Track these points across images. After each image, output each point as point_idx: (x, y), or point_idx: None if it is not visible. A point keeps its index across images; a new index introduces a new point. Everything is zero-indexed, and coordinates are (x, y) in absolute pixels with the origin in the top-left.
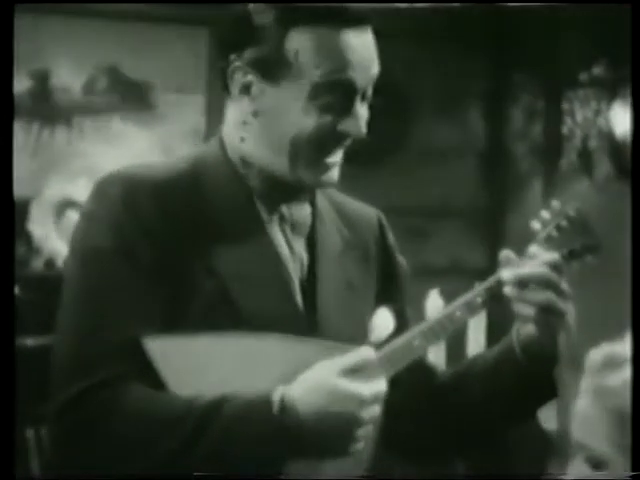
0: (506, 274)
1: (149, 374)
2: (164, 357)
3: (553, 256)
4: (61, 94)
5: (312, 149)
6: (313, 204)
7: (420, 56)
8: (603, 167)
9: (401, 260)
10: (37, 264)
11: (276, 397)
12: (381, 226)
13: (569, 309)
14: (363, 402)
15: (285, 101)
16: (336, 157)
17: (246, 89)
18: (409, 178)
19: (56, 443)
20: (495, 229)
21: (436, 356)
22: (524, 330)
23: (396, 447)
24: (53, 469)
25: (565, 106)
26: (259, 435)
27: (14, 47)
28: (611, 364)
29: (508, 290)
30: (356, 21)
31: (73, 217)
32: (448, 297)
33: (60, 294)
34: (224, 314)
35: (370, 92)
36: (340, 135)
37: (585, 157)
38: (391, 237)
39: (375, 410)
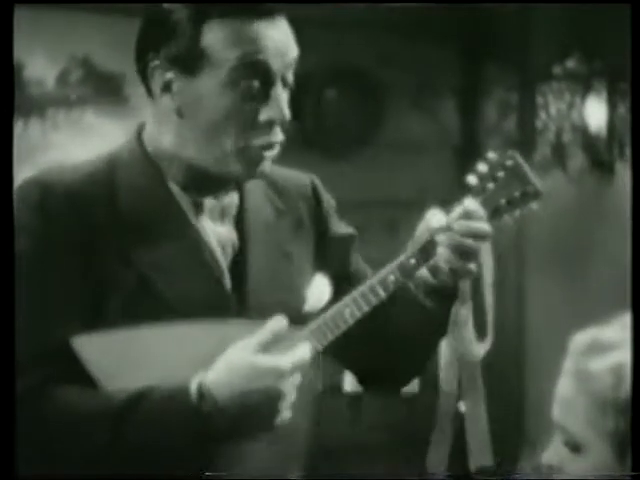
0: (441, 237)
1: (78, 372)
2: (91, 353)
3: (482, 226)
4: (35, 86)
5: (238, 137)
6: (239, 186)
7: (394, 49)
8: (577, 160)
9: (341, 226)
10: None
11: (193, 386)
12: (315, 192)
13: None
14: (282, 374)
15: (205, 91)
16: (268, 149)
17: (167, 87)
18: (383, 171)
19: None
20: None
21: None
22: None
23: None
24: None
25: (539, 99)
26: (180, 426)
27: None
28: (596, 348)
29: (442, 251)
30: (267, 13)
31: None
32: None
33: None
34: (147, 306)
35: (290, 78)
36: (265, 122)
37: (559, 150)
38: (327, 201)
39: (297, 379)
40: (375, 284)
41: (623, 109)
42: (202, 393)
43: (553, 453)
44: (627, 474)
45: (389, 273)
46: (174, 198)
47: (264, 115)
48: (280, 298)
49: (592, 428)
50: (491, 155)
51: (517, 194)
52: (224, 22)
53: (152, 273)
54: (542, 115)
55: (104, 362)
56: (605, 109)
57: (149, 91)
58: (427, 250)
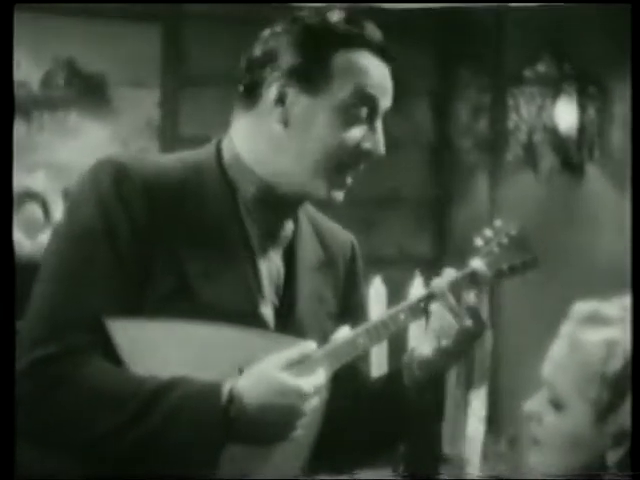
0: (438, 287)
1: (109, 351)
2: (124, 337)
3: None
4: (20, 88)
5: (333, 164)
6: (296, 220)
7: None
8: (548, 161)
9: (363, 292)
10: None
11: (226, 388)
12: (353, 253)
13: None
14: (304, 395)
15: (318, 109)
16: (350, 178)
17: (281, 99)
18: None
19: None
20: (441, 219)
21: (378, 354)
22: (419, 353)
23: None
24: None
25: (510, 102)
26: (203, 420)
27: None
28: (593, 320)
29: (449, 300)
30: (384, 54)
31: (32, 208)
32: (394, 286)
33: (36, 273)
34: (182, 310)
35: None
36: (361, 153)
37: (530, 151)
38: (360, 263)
39: (314, 402)
40: (387, 320)
41: (592, 111)
42: (232, 397)
43: (536, 403)
44: (627, 474)
45: (400, 312)
46: (238, 214)
47: (363, 144)
48: (310, 335)
49: (577, 392)
50: (497, 223)
51: (518, 262)
52: (352, 53)
53: (195, 280)
54: (513, 117)
55: (135, 347)
56: (575, 111)
57: (252, 98)
58: (434, 297)
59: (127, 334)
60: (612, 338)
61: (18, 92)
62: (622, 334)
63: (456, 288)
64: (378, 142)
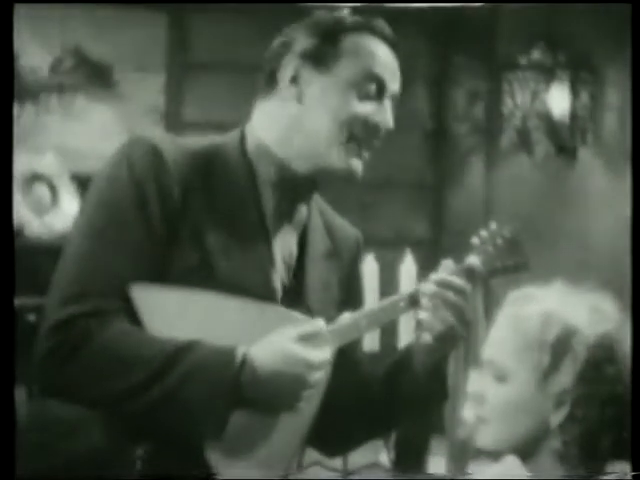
0: (427, 288)
1: (132, 315)
2: (143, 301)
3: (465, 285)
4: (29, 74)
5: (346, 135)
6: (309, 208)
7: None
8: (542, 146)
9: (361, 288)
10: None
11: (239, 353)
12: (358, 249)
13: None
14: (311, 367)
15: (329, 88)
16: (363, 150)
17: (296, 77)
18: None
19: (40, 361)
20: (437, 203)
21: (371, 344)
22: (421, 341)
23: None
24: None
25: (505, 88)
26: (216, 381)
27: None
28: (526, 298)
29: (437, 298)
30: (391, 43)
31: (41, 189)
32: (390, 267)
33: (42, 251)
34: (202, 282)
35: (392, 103)
36: (371, 126)
37: (524, 136)
38: (361, 262)
39: (320, 375)
40: (388, 307)
41: (585, 97)
42: (245, 362)
43: (477, 383)
44: (627, 473)
45: (400, 300)
46: (257, 196)
47: (372, 118)
48: (316, 314)
49: (518, 360)
50: (493, 225)
51: (511, 263)
52: (359, 37)
53: (215, 256)
54: (508, 102)
55: (153, 312)
56: (568, 97)
57: (271, 85)
58: (424, 294)
59: (147, 299)
60: (547, 310)
61: (27, 78)
62: (556, 307)
63: (446, 286)
64: (387, 117)
